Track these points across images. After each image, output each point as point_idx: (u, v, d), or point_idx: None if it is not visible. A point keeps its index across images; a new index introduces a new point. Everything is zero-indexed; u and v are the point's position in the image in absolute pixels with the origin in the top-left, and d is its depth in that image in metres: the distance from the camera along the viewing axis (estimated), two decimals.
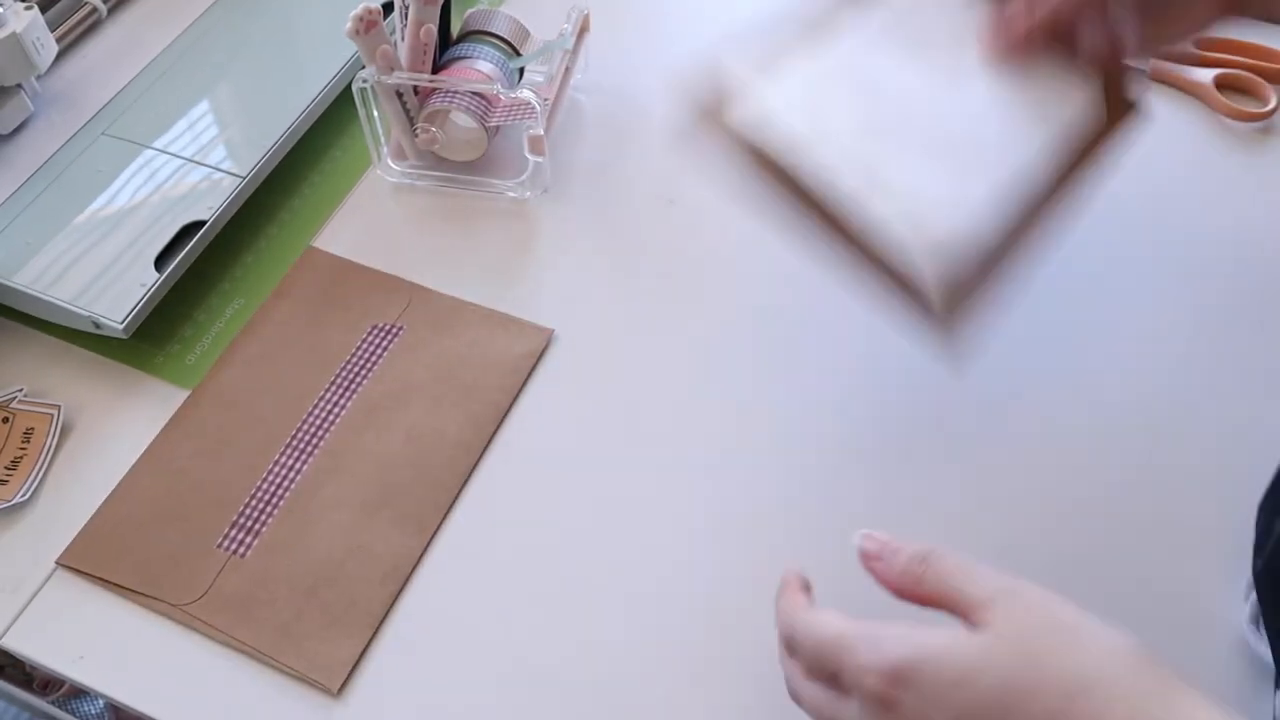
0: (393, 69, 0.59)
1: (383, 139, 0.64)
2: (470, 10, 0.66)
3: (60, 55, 0.67)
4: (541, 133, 0.61)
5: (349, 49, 0.67)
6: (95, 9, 0.72)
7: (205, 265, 0.60)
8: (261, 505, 0.51)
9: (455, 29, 0.65)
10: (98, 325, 0.55)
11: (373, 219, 0.64)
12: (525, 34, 0.65)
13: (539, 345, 0.57)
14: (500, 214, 0.64)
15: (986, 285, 0.45)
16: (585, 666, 0.46)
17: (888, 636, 0.33)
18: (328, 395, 0.55)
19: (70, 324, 0.56)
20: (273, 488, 0.52)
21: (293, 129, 0.64)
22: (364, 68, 0.60)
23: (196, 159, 0.62)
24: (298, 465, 0.52)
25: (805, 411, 0.54)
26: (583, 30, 0.69)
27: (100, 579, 0.49)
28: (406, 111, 0.62)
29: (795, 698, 0.36)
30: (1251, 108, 0.67)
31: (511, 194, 0.65)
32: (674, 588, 0.49)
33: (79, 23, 0.71)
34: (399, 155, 0.65)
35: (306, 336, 0.58)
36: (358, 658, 0.46)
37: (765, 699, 0.44)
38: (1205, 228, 0.62)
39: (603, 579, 0.48)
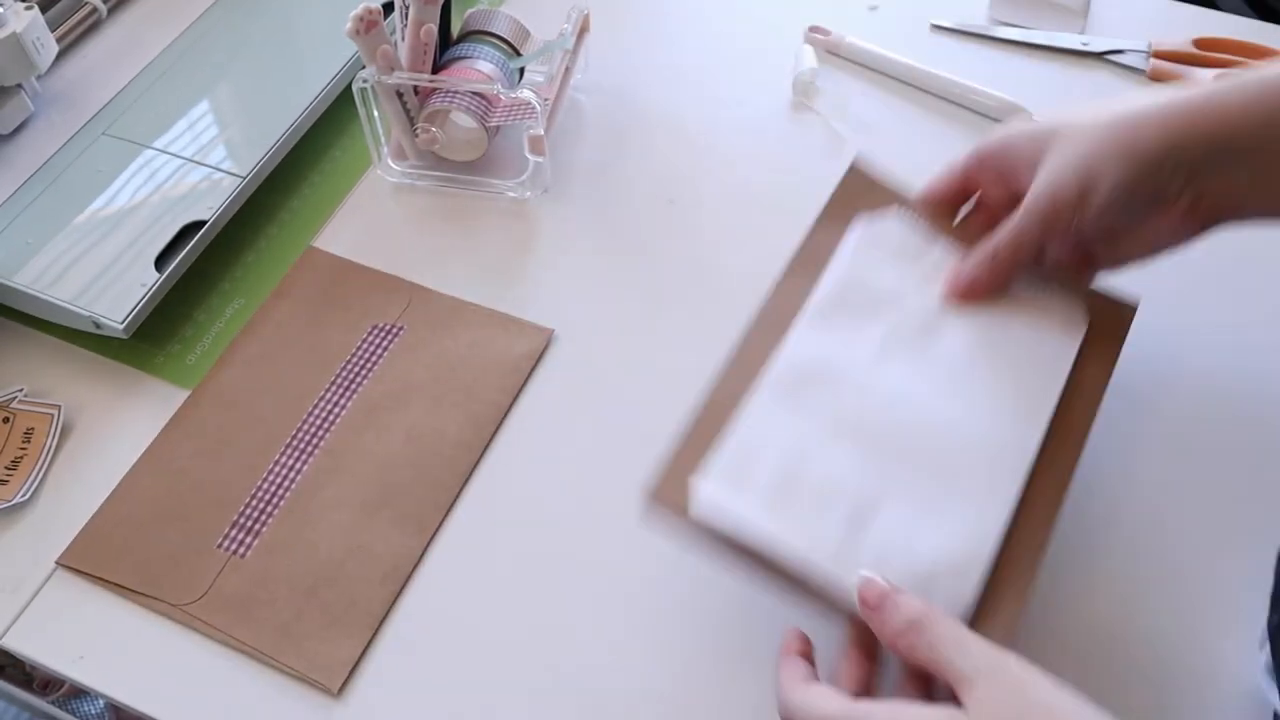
0: (393, 69, 0.59)
1: (383, 139, 0.64)
2: (470, 10, 0.66)
3: (60, 55, 0.67)
4: (541, 133, 0.61)
5: (349, 49, 0.67)
6: (95, 9, 0.72)
7: (205, 265, 0.60)
8: (261, 505, 0.51)
9: (455, 29, 0.65)
10: (98, 325, 0.55)
11: (373, 219, 0.64)
12: (525, 34, 0.65)
13: (539, 345, 0.57)
14: (500, 214, 0.64)
15: (1019, 589, 0.42)
16: (585, 667, 0.46)
17: (878, 717, 0.35)
18: (328, 395, 0.55)
19: (70, 324, 0.56)
20: (273, 488, 0.52)
21: (293, 129, 0.64)
22: (364, 68, 0.60)
23: (197, 159, 0.62)
24: (298, 465, 0.52)
25: None
26: (583, 30, 0.69)
27: (100, 579, 0.49)
28: (406, 111, 0.62)
29: None
30: None
31: (511, 194, 0.65)
32: (674, 588, 0.49)
33: (79, 23, 0.71)
34: (399, 155, 0.65)
35: (306, 336, 0.58)
36: (358, 658, 0.47)
37: (765, 699, 0.44)
38: None
39: (603, 579, 0.48)
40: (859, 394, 0.46)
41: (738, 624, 0.47)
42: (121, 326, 0.54)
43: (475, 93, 0.61)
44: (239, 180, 0.61)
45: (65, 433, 0.54)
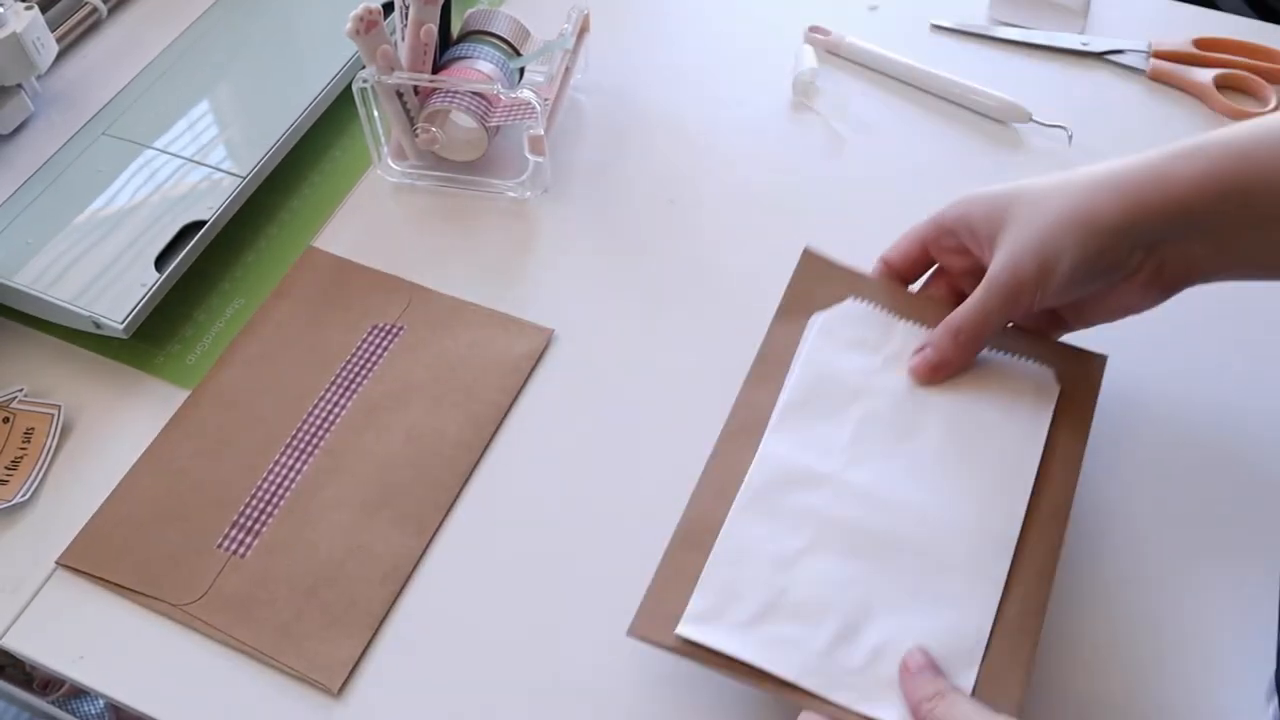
0: (393, 69, 0.59)
1: (383, 139, 0.64)
2: (470, 10, 0.66)
3: (60, 55, 0.67)
4: (541, 133, 0.61)
5: (349, 49, 0.67)
6: (95, 9, 0.72)
7: (205, 265, 0.60)
8: (261, 505, 0.51)
9: (455, 29, 0.65)
10: (98, 325, 0.55)
11: (373, 219, 0.64)
12: (525, 34, 0.65)
13: (539, 345, 0.57)
14: (500, 214, 0.64)
15: (1021, 665, 0.42)
16: (585, 666, 0.46)
17: None
18: (328, 395, 0.55)
19: (70, 324, 0.56)
20: (273, 488, 0.52)
21: (293, 129, 0.64)
22: (364, 68, 0.60)
23: (197, 159, 0.62)
24: (298, 465, 0.52)
25: None
26: (583, 30, 0.69)
27: (100, 579, 0.49)
28: (406, 111, 0.62)
29: None
30: (1251, 108, 0.67)
31: (511, 194, 0.65)
32: None
33: (79, 23, 0.71)
34: (399, 155, 0.65)
35: (306, 336, 0.58)
36: (358, 658, 0.47)
37: (765, 697, 0.44)
38: None
39: (603, 579, 0.48)
40: (837, 495, 0.46)
41: None
42: (121, 326, 0.54)
43: (475, 93, 0.61)
44: (239, 180, 0.61)
45: (65, 433, 0.54)
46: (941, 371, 0.49)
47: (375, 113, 0.62)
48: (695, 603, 0.43)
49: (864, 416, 0.48)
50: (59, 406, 0.55)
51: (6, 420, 0.54)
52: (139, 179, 0.61)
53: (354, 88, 0.60)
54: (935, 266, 0.52)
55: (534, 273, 0.61)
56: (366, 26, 0.57)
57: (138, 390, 0.56)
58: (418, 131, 0.62)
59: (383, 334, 0.58)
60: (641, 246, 0.62)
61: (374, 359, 0.56)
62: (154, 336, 0.58)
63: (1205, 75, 0.69)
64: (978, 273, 0.48)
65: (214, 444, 0.53)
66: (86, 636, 0.48)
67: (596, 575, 0.49)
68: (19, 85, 0.64)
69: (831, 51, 0.73)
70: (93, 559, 0.49)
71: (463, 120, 0.63)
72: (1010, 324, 0.50)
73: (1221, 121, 0.68)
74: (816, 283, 0.53)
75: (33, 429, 0.54)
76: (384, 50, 0.59)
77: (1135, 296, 0.47)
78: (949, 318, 0.48)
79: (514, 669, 0.47)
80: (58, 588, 0.49)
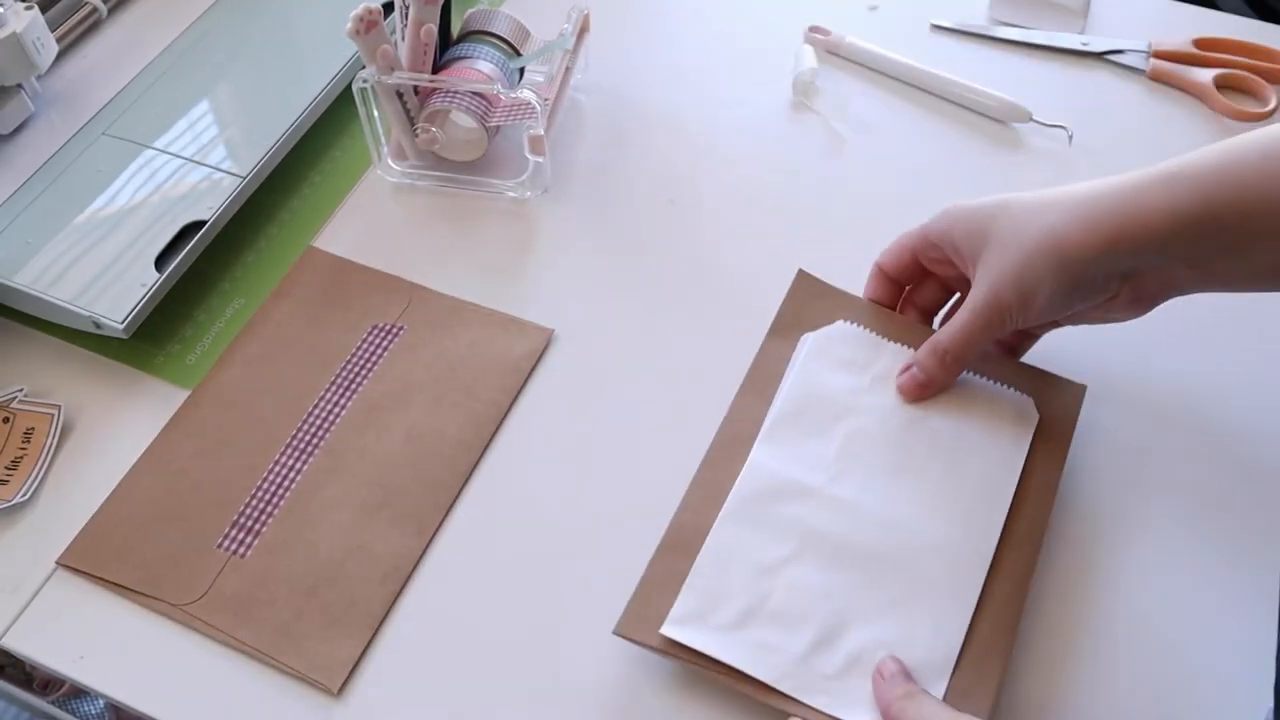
0: (393, 69, 0.59)
1: (383, 139, 0.64)
2: (470, 10, 0.66)
3: (60, 55, 0.67)
4: (541, 133, 0.61)
5: (349, 49, 0.67)
6: (95, 9, 0.72)
7: (205, 265, 0.60)
8: (261, 505, 0.51)
9: (455, 29, 0.65)
10: (98, 325, 0.55)
11: (373, 219, 0.64)
12: (525, 34, 0.65)
13: (539, 345, 0.57)
14: (500, 214, 0.64)
15: (991, 679, 0.44)
16: (585, 666, 0.46)
17: None
18: (328, 395, 0.55)
19: (70, 324, 0.56)
20: (273, 488, 0.52)
21: (293, 129, 0.64)
22: (364, 68, 0.60)
23: (197, 159, 0.62)
24: (298, 465, 0.52)
25: None
26: (583, 30, 0.69)
27: (100, 579, 0.49)
28: (407, 111, 0.62)
29: None
30: (1251, 108, 0.67)
31: (511, 194, 0.65)
32: None
33: (79, 23, 0.71)
34: (399, 155, 0.65)
35: (306, 336, 0.58)
36: (358, 658, 0.47)
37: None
38: None
39: (602, 579, 0.48)
40: (821, 508, 0.48)
41: None
42: (121, 326, 0.54)
43: (475, 93, 0.61)
44: (239, 180, 0.61)
45: (65, 433, 0.54)
46: (927, 390, 0.50)
47: (375, 113, 0.62)
48: (680, 605, 0.45)
49: (850, 434, 0.50)
50: (59, 406, 0.55)
51: (6, 420, 0.54)
52: (139, 179, 0.61)
53: (354, 88, 0.60)
54: (909, 290, 0.55)
55: (534, 273, 0.61)
56: (366, 26, 0.57)
57: (138, 390, 0.56)
58: (418, 131, 0.62)
59: (383, 334, 0.58)
60: (641, 246, 0.62)
61: (374, 359, 0.56)
62: (154, 336, 0.58)
63: (1205, 75, 0.69)
64: (966, 281, 0.50)
65: (214, 444, 0.53)
66: (86, 636, 0.48)
67: (596, 575, 0.49)
68: (19, 85, 0.64)
69: (831, 51, 0.73)
70: (93, 559, 0.49)
71: (463, 120, 0.63)
72: (996, 340, 0.51)
73: (1221, 121, 0.68)
74: (808, 303, 0.55)
75: (33, 429, 0.54)
76: (384, 50, 0.59)
77: (1117, 311, 0.49)
78: (934, 338, 0.50)
79: (514, 669, 0.47)
80: (58, 588, 0.49)
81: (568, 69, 0.67)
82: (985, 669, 0.44)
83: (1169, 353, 0.57)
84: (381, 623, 0.48)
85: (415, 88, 0.61)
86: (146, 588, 0.48)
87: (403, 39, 0.60)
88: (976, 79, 0.69)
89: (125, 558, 0.49)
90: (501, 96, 0.61)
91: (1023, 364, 0.53)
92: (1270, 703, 0.45)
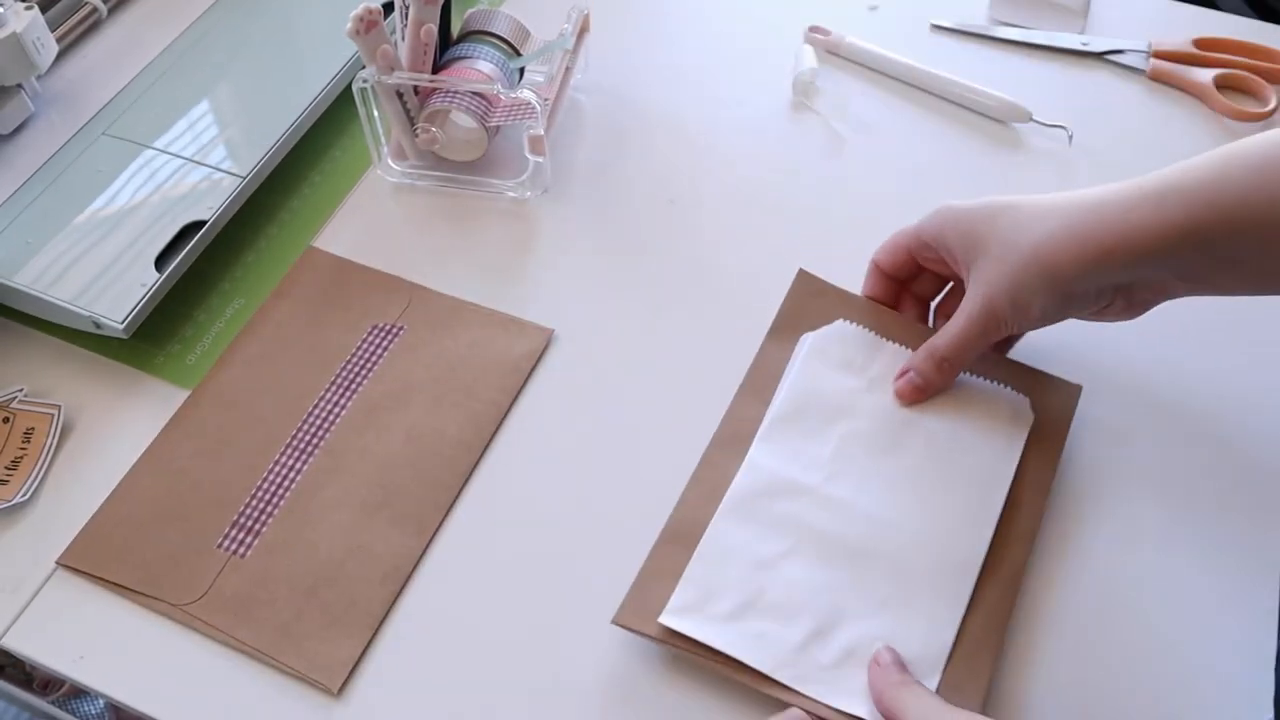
0: (393, 69, 0.59)
1: (383, 139, 0.64)
2: (470, 10, 0.66)
3: (60, 55, 0.67)
4: (541, 133, 0.61)
5: (349, 49, 0.67)
6: (95, 9, 0.72)
7: (205, 265, 0.60)
8: (261, 505, 0.51)
9: (455, 29, 0.65)
10: (98, 325, 0.55)
11: (373, 219, 0.64)
12: (525, 34, 0.65)
13: (539, 345, 0.57)
14: (500, 214, 0.64)
15: (981, 676, 0.44)
16: (585, 666, 0.46)
17: None
18: (328, 395, 0.55)
19: (70, 324, 0.56)
20: (273, 488, 0.52)
21: (293, 129, 0.64)
22: (364, 68, 0.60)
23: (197, 159, 0.62)
24: (298, 465, 0.52)
25: None
26: (583, 30, 0.69)
27: (100, 579, 0.49)
28: (407, 111, 0.62)
29: None
30: (1251, 108, 0.67)
31: (511, 194, 0.65)
32: None
33: (79, 23, 0.71)
34: (399, 155, 0.65)
35: (306, 336, 0.58)
36: (358, 658, 0.47)
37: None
38: None
39: (602, 578, 0.48)
40: (817, 506, 0.48)
41: None
42: (121, 326, 0.54)
43: (475, 93, 0.61)
44: (239, 180, 0.61)
45: (65, 433, 0.54)
46: (924, 394, 0.51)
47: (375, 113, 0.62)
48: (678, 596, 0.45)
49: (847, 434, 0.50)
50: (59, 406, 0.55)
51: (6, 420, 0.54)
52: (139, 179, 0.61)
53: (354, 88, 0.60)
54: (917, 278, 0.55)
55: (534, 273, 0.61)
56: (366, 26, 0.57)
57: (138, 390, 0.56)
58: (418, 131, 0.62)
59: (383, 334, 0.58)
60: (641, 246, 0.62)
61: (374, 359, 0.56)
62: (154, 336, 0.58)
63: (1205, 75, 0.69)
64: (959, 278, 0.50)
65: (214, 444, 0.53)
66: (86, 636, 0.48)
67: (596, 575, 0.49)
68: (19, 85, 0.64)
69: (831, 51, 0.73)
70: (93, 559, 0.49)
71: (463, 120, 0.63)
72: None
73: (1221, 121, 0.68)
74: (808, 302, 0.55)
75: (33, 429, 0.54)
76: (384, 50, 0.59)
77: (1112, 317, 0.49)
78: (930, 343, 0.50)
79: (514, 668, 0.47)
80: (58, 588, 0.49)
81: (568, 69, 0.67)
82: (976, 665, 0.44)
83: (1166, 352, 0.57)
84: (381, 623, 0.48)
85: (415, 88, 0.61)
86: (146, 588, 0.48)
87: (403, 39, 0.60)
88: (976, 79, 0.69)
89: (125, 558, 0.49)
90: (501, 96, 0.61)
91: (1019, 364, 0.53)
92: (1270, 715, 0.45)
